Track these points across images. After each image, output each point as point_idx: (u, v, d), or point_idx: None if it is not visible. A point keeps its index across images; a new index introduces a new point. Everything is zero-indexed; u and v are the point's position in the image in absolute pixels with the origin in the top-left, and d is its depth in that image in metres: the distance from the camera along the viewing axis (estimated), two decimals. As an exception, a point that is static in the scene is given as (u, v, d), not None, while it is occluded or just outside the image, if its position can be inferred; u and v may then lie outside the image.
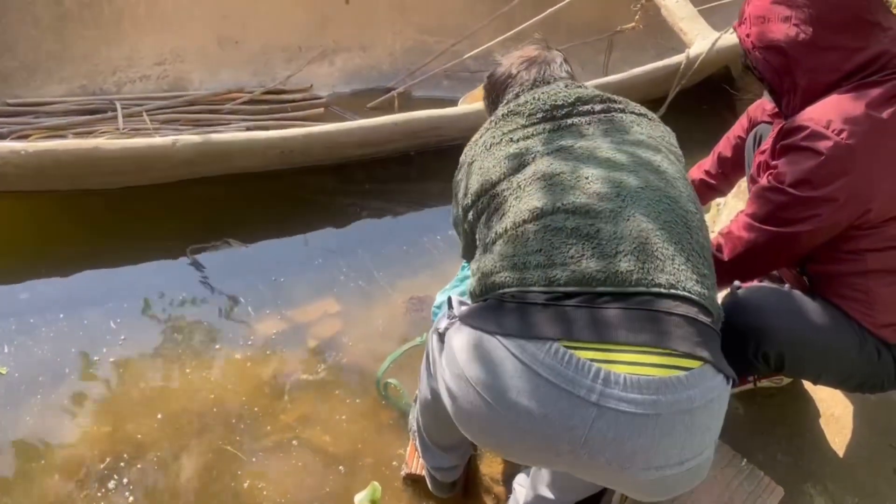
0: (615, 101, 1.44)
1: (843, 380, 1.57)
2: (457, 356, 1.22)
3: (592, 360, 1.10)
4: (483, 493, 1.85)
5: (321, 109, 3.20)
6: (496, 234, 1.29)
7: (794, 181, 1.41)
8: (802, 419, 1.82)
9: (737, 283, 1.58)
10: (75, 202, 2.48)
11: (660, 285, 1.14)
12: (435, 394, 1.52)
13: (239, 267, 2.40)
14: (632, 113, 1.44)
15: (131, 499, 1.80)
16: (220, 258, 2.42)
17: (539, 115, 1.40)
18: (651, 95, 2.95)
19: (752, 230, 1.48)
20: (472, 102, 2.90)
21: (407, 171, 2.77)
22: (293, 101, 3.23)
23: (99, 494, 1.80)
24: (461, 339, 1.22)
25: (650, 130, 1.42)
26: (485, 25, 3.34)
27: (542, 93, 1.46)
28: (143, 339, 2.15)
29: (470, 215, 1.41)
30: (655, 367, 1.10)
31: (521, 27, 3.22)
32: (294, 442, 1.95)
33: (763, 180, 1.48)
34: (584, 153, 1.33)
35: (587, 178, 1.27)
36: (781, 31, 1.42)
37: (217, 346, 2.16)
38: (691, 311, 1.14)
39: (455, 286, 2.13)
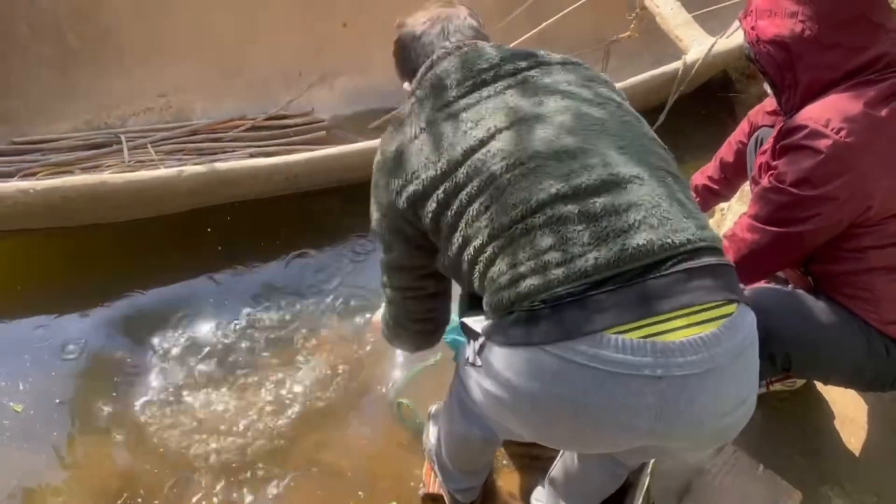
0: (537, 54, 1.37)
1: (853, 378, 1.57)
2: (508, 378, 1.18)
3: (644, 337, 1.11)
4: (501, 507, 1.85)
5: (323, 132, 3.22)
6: (487, 236, 1.20)
7: (795, 180, 1.42)
8: (817, 421, 1.82)
9: (741, 285, 1.58)
10: (85, 237, 2.50)
11: (679, 244, 1.15)
12: (467, 433, 1.52)
13: (251, 292, 2.42)
14: (557, 63, 1.36)
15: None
16: (232, 283, 2.44)
17: (468, 84, 1.30)
18: (650, 103, 2.96)
19: (756, 231, 1.49)
20: (472, 118, 2.91)
21: (412, 190, 2.77)
22: (295, 125, 3.25)
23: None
24: (504, 360, 1.18)
25: (587, 72, 1.37)
26: (481, 41, 3.36)
27: (464, 55, 1.35)
28: (158, 372, 2.17)
29: (427, 208, 1.26)
30: (703, 324, 1.12)
31: (517, 41, 3.24)
32: (313, 469, 1.96)
33: (764, 181, 1.50)
34: (539, 111, 1.25)
35: (565, 150, 1.20)
36: (787, 26, 1.44)
37: (231, 374, 2.17)
38: (712, 260, 1.17)
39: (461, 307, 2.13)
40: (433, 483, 1.86)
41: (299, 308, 2.37)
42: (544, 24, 3.21)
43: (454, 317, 2.11)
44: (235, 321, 2.33)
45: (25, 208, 2.21)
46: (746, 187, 2.11)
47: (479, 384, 1.26)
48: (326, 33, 3.41)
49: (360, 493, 1.90)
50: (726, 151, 1.95)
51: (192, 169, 2.38)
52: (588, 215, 1.16)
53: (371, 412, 2.09)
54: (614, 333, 1.10)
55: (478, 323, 1.26)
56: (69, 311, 2.33)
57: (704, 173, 2.03)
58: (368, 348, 2.25)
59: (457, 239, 1.25)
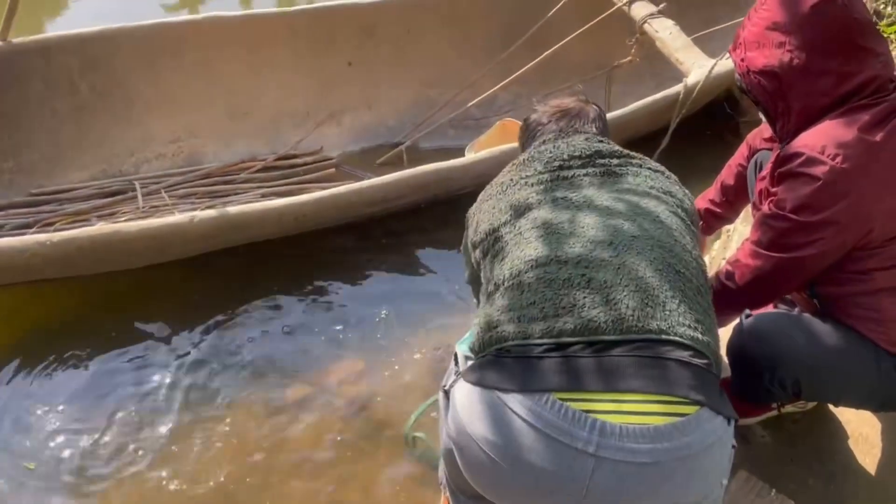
0: (633, 157, 1.50)
1: (864, 400, 1.56)
2: (459, 413, 1.24)
3: (587, 410, 1.11)
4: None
5: (332, 170, 3.27)
6: (497, 281, 1.32)
7: (795, 207, 1.43)
8: (831, 442, 1.80)
9: (747, 311, 1.59)
10: (100, 285, 2.54)
11: (650, 331, 1.16)
12: (448, 447, 1.55)
13: (264, 332, 2.44)
14: (648, 168, 1.49)
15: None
16: (245, 325, 2.46)
17: (556, 164, 1.46)
18: (654, 126, 2.98)
19: (759, 257, 1.50)
20: (479, 150, 2.95)
21: (422, 223, 2.81)
22: (305, 164, 3.31)
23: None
24: (462, 395, 1.25)
25: (661, 184, 1.46)
26: (485, 74, 3.41)
27: (564, 143, 1.52)
28: (174, 414, 2.18)
29: (476, 253, 1.46)
30: (651, 416, 1.11)
31: (519, 71, 3.29)
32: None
33: (765, 207, 1.51)
34: (583, 202, 1.37)
35: (583, 226, 1.31)
36: (776, 56, 1.46)
37: (247, 413, 2.18)
38: (684, 356, 1.15)
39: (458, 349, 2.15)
40: (448, 517, 1.86)
41: (314, 345, 2.39)
42: (544, 55, 3.26)
43: (464, 347, 2.14)
44: (248, 360, 2.34)
45: (43, 260, 2.26)
46: (750, 209, 2.12)
47: (445, 413, 1.37)
48: (332, 72, 3.48)
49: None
50: (727, 174, 1.96)
51: (204, 214, 2.44)
52: (571, 283, 1.22)
53: (389, 447, 2.10)
54: (558, 397, 1.13)
55: (464, 361, 1.36)
56: (81, 361, 2.35)
57: (706, 197, 2.04)
58: (376, 383, 2.25)
59: (485, 279, 1.41)
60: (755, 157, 1.82)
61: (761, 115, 1.59)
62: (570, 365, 1.14)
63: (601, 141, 1.54)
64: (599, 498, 1.12)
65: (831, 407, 1.85)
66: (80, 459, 2.07)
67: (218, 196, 3.08)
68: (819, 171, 1.39)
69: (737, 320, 1.61)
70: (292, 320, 2.49)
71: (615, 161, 1.47)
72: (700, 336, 1.19)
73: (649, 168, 1.49)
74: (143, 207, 2.95)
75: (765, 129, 1.78)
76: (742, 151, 1.92)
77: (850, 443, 1.79)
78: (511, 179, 1.47)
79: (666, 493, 1.13)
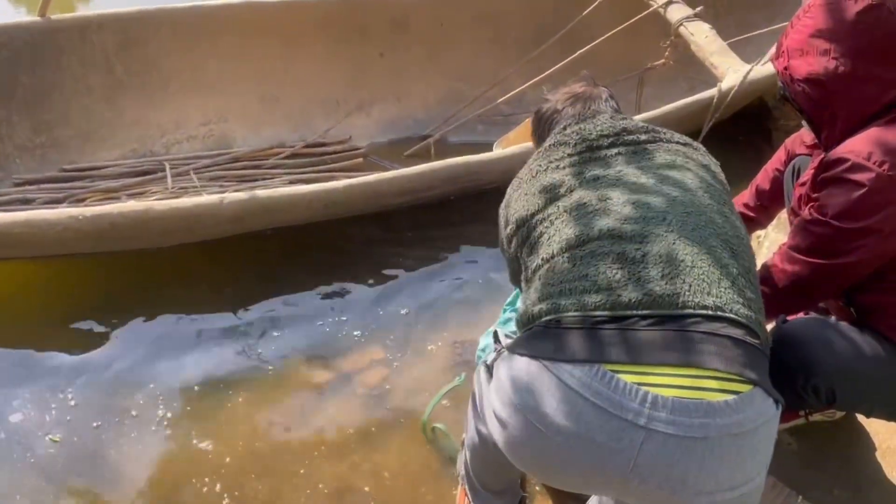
0: (660, 132, 1.49)
1: (896, 412, 1.55)
2: (504, 384, 1.23)
3: (638, 383, 1.11)
4: (535, 536, 1.84)
5: (360, 160, 3.29)
6: (536, 265, 1.32)
7: (837, 213, 1.42)
8: (858, 453, 1.78)
9: (783, 316, 1.57)
10: (124, 261, 2.57)
11: (706, 307, 1.15)
12: (482, 437, 1.53)
13: (287, 318, 2.45)
14: (676, 143, 1.47)
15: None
16: (268, 309, 2.48)
17: (584, 145, 1.45)
18: (685, 130, 2.92)
19: (796, 262, 1.49)
20: (506, 146, 2.95)
21: (448, 216, 2.80)
22: (333, 152, 3.33)
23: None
24: (508, 366, 1.24)
25: (694, 156, 1.45)
26: (515, 70, 3.41)
27: (589, 124, 1.51)
28: (195, 392, 2.19)
29: (512, 244, 1.46)
30: (704, 391, 1.10)
31: (550, 70, 3.28)
32: (347, 490, 1.96)
33: (805, 213, 1.49)
34: (622, 179, 1.36)
35: (629, 202, 1.30)
36: (821, 63, 1.44)
37: (267, 398, 2.19)
38: (738, 333, 1.15)
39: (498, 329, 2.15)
40: (467, 508, 1.86)
41: (335, 333, 2.40)
42: (577, 53, 3.25)
43: (488, 339, 2.14)
44: (270, 345, 2.35)
45: (75, 234, 2.28)
46: (783, 215, 2.10)
47: (487, 388, 1.33)
48: (364, 63, 3.50)
49: (392, 517, 1.91)
50: (762, 179, 1.95)
51: (234, 196, 2.45)
52: (626, 258, 1.21)
53: (407, 436, 2.10)
54: (610, 369, 1.12)
55: (506, 337, 1.36)
56: (108, 337, 2.37)
57: (740, 200, 2.03)
58: (396, 372, 2.26)
59: (526, 263, 1.39)
60: (793, 162, 1.80)
61: (804, 124, 1.58)
62: (622, 337, 1.14)
63: (624, 118, 1.54)
64: (647, 470, 1.11)
65: (860, 417, 1.83)
66: (104, 432, 2.09)
67: (246, 180, 3.11)
68: (864, 177, 1.37)
69: (771, 325, 1.59)
70: (316, 307, 2.50)
71: (643, 137, 1.46)
72: (753, 315, 1.19)
73: (677, 142, 1.48)
74: (172, 188, 2.98)
75: (805, 135, 1.77)
76: (779, 156, 1.90)
77: (878, 455, 1.77)
78: (540, 166, 1.46)
79: (713, 470, 1.11)
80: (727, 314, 1.15)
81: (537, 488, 1.92)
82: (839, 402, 1.49)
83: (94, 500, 1.95)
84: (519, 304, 1.39)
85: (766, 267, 1.56)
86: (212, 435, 2.08)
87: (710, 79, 3.09)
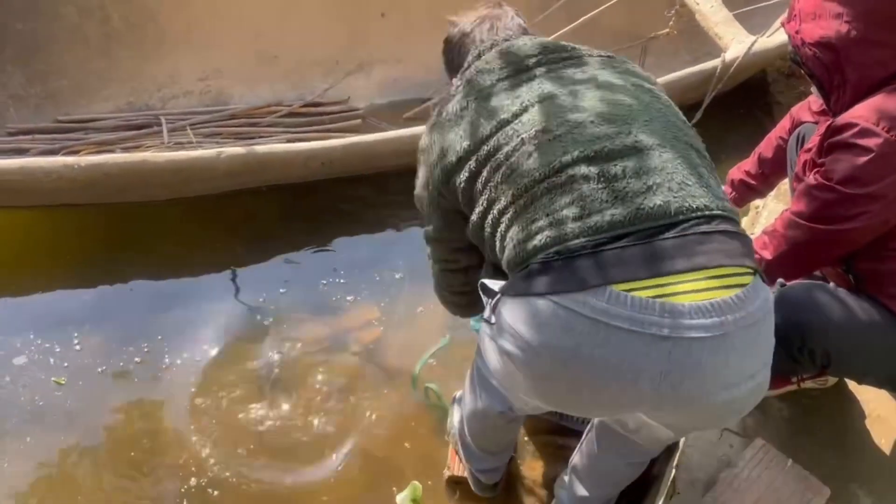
0: (576, 48, 1.45)
1: (890, 379, 1.56)
2: (517, 329, 1.21)
3: (653, 297, 1.12)
4: (525, 494, 1.86)
5: (358, 121, 3.25)
6: (511, 196, 1.26)
7: (843, 178, 1.42)
8: (848, 420, 1.81)
9: (781, 280, 1.58)
10: (123, 214, 2.56)
11: (696, 209, 1.17)
12: (484, 403, 1.54)
13: (283, 276, 2.45)
14: (599, 56, 1.44)
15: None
16: (264, 267, 2.48)
17: (510, 69, 1.39)
18: (687, 100, 2.93)
19: (798, 228, 1.49)
20: (506, 111, 2.92)
21: (443, 181, 2.79)
22: (331, 113, 3.28)
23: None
24: (515, 311, 1.22)
25: (624, 68, 1.43)
26: (518, 35, 3.37)
27: (507, 46, 1.45)
28: (189, 348, 2.20)
29: (457, 179, 1.36)
30: (714, 290, 1.13)
31: (554, 35, 3.24)
32: (337, 444, 1.98)
33: (810, 178, 1.49)
34: (574, 90, 1.32)
35: (591, 120, 1.26)
36: (832, 27, 1.43)
37: (261, 356, 2.20)
38: (728, 226, 1.19)
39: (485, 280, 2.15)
40: (458, 466, 1.88)
41: (330, 291, 2.40)
42: (581, 20, 3.21)
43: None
44: (266, 302, 2.36)
45: (70, 184, 2.26)
46: (783, 185, 2.10)
47: (493, 343, 1.30)
48: (365, 22, 3.44)
49: (383, 470, 1.93)
50: (765, 147, 1.94)
51: (231, 150, 2.42)
52: (608, 176, 1.20)
53: (399, 394, 2.11)
54: (623, 289, 1.12)
55: (496, 284, 1.31)
56: (100, 285, 2.38)
57: (742, 168, 2.02)
58: (390, 332, 2.28)
59: (482, 203, 1.32)
60: (798, 129, 1.80)
61: (813, 90, 1.57)
62: (626, 255, 1.14)
63: (538, 37, 1.49)
64: (678, 378, 1.14)
65: (851, 386, 1.85)
66: (108, 377, 2.12)
67: (242, 137, 3.06)
68: (872, 142, 1.37)
69: (771, 289, 1.60)
70: (311, 266, 2.50)
71: (564, 54, 1.41)
72: (729, 205, 1.23)
73: (600, 55, 1.44)
74: (168, 143, 2.94)
75: (813, 102, 1.76)
76: (784, 125, 1.89)
77: (868, 422, 1.79)
78: (468, 94, 1.39)
79: (735, 362, 1.15)
80: (715, 211, 1.18)
81: (529, 449, 1.94)
82: (833, 366, 1.50)
83: (97, 442, 1.98)
84: (499, 251, 1.31)
85: (766, 233, 1.56)
86: (210, 385, 2.11)
87: (714, 50, 3.07)
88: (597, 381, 1.17)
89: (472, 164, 1.33)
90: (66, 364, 2.14)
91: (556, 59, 1.40)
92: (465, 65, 1.51)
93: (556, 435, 1.94)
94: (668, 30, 3.17)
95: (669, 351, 1.12)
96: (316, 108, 3.29)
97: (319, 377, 2.15)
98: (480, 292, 1.36)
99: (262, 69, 3.32)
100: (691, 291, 1.13)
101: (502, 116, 1.32)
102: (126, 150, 2.86)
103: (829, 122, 1.47)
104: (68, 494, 1.87)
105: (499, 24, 1.54)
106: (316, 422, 2.04)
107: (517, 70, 1.38)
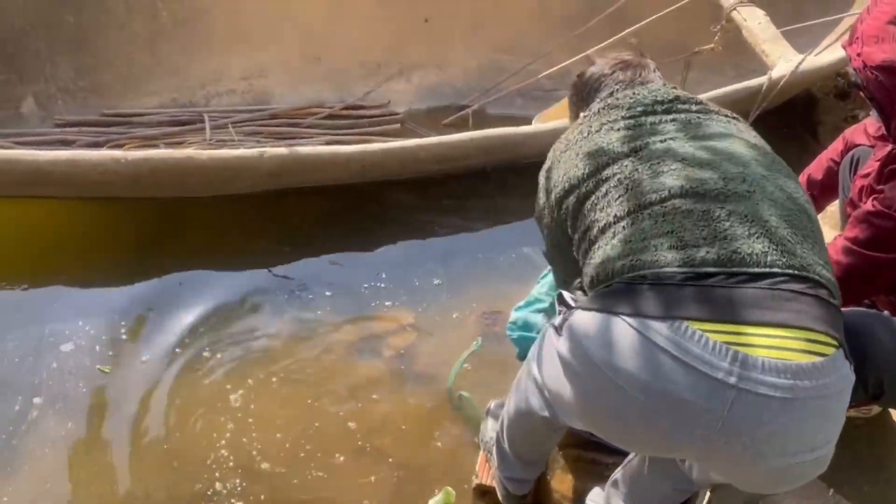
0: (709, 105, 1.47)
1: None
2: (584, 342, 1.21)
3: (728, 343, 1.10)
4: (554, 508, 1.85)
5: (397, 125, 3.27)
6: (614, 217, 1.28)
7: None
8: (890, 451, 1.77)
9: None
10: (167, 209, 2.59)
11: (792, 267, 1.15)
12: (531, 407, 1.52)
13: (319, 276, 2.46)
14: (725, 115, 1.46)
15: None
16: (302, 266, 2.49)
17: (639, 109, 1.42)
18: (730, 117, 2.91)
19: (852, 254, 1.47)
20: (545, 121, 2.92)
21: (483, 188, 2.79)
22: (371, 116, 3.30)
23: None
24: (586, 324, 1.22)
25: (748, 132, 1.44)
26: (560, 45, 3.36)
27: (642, 88, 1.49)
28: (229, 344, 2.23)
29: (568, 202, 1.40)
30: (793, 352, 1.10)
31: (596, 47, 3.22)
32: (367, 448, 1.98)
33: (867, 204, 1.47)
34: (699, 138, 1.34)
35: (709, 162, 1.28)
36: (895, 51, 1.41)
37: (294, 353, 2.22)
38: (822, 293, 1.15)
39: (530, 303, 2.15)
40: (487, 475, 1.87)
41: (367, 293, 2.41)
42: (624, 33, 3.20)
43: (520, 313, 2.14)
44: (301, 301, 2.37)
45: (116, 177, 2.29)
46: (831, 207, 2.07)
47: (555, 350, 1.30)
48: (408, 27, 3.46)
49: (411, 475, 1.92)
50: (816, 168, 1.91)
51: (274, 151, 2.45)
52: (712, 216, 1.20)
53: (430, 399, 2.11)
54: (698, 327, 1.11)
55: (572, 299, 1.33)
56: (149, 278, 2.42)
57: (790, 189, 1.99)
58: (423, 337, 2.28)
59: (585, 224, 1.35)
60: (852, 153, 1.77)
61: (872, 113, 1.54)
62: (710, 294, 1.13)
63: (675, 88, 1.52)
64: (734, 430, 1.11)
65: (894, 416, 1.82)
66: (148, 369, 2.15)
67: (282, 137, 3.09)
68: None
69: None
70: (348, 266, 2.51)
71: (695, 108, 1.43)
72: (831, 277, 1.20)
73: (726, 116, 1.46)
74: (210, 140, 2.98)
75: (869, 126, 1.73)
76: (836, 147, 1.87)
77: (911, 454, 1.76)
78: (592, 127, 1.43)
79: (798, 431, 1.12)
80: (812, 275, 1.16)
81: (560, 464, 1.93)
82: (887, 395, 1.47)
83: (138, 431, 2.01)
84: (579, 258, 1.35)
85: (817, 257, 1.53)
86: (246, 381, 2.13)
87: (759, 67, 3.03)
88: (648, 413, 1.15)
89: (581, 190, 1.37)
90: (111, 353, 2.18)
91: (684, 108, 1.42)
92: (597, 101, 1.55)
93: (588, 449, 1.92)
94: (712, 45, 3.14)
95: (732, 401, 1.09)
96: (356, 111, 3.32)
97: (346, 378, 2.16)
98: (556, 302, 1.38)
99: (304, 70, 3.36)
100: (767, 346, 1.10)
101: (619, 149, 1.35)
102: (169, 145, 2.90)
103: (889, 148, 1.44)
104: (104, 481, 1.89)
105: (641, 72, 1.57)
106: (347, 424, 2.04)
107: (644, 112, 1.41)
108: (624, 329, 1.15)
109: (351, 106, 3.32)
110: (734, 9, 3.11)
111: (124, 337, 2.23)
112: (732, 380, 1.08)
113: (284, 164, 2.44)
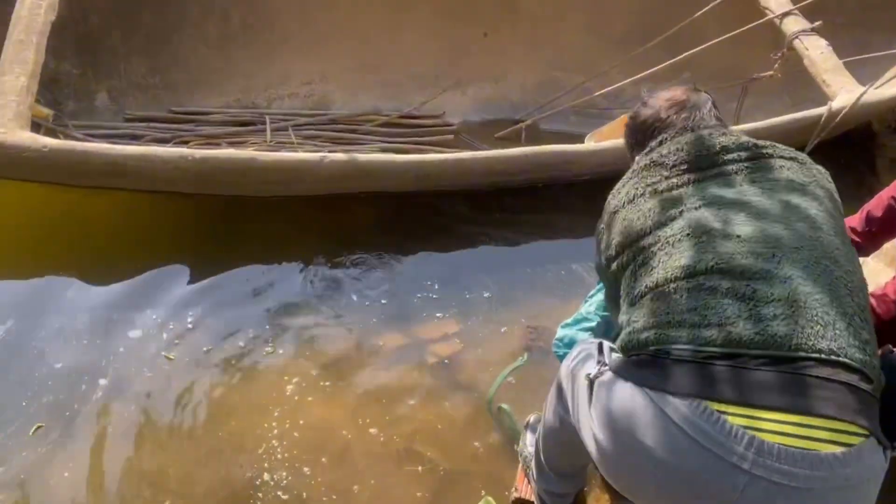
0: (761, 147, 1.43)
1: None
2: (606, 405, 1.24)
3: (745, 426, 1.09)
4: (590, 524, 1.87)
5: (451, 136, 3.33)
6: (645, 287, 1.30)
7: None
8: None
9: (889, 346, 1.55)
10: (226, 206, 2.68)
11: (820, 351, 1.12)
12: (563, 421, 1.55)
13: (369, 281, 2.52)
14: (780, 157, 1.42)
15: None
16: (352, 271, 2.55)
17: (683, 167, 1.41)
18: (788, 146, 2.89)
19: None
20: (598, 140, 2.94)
21: (536, 203, 2.81)
22: (425, 126, 3.37)
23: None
24: (611, 388, 1.25)
25: (801, 175, 1.40)
26: (617, 65, 3.38)
27: (686, 142, 1.45)
28: (286, 340, 2.30)
29: (614, 266, 1.44)
30: (813, 441, 1.08)
31: (653, 69, 3.23)
32: (406, 456, 2.02)
33: None
34: (733, 205, 1.32)
35: (738, 235, 1.26)
36: None
37: (339, 357, 2.27)
38: (852, 379, 1.12)
39: (577, 321, 2.16)
40: (525, 489, 1.89)
41: (415, 301, 2.45)
42: (681, 56, 3.20)
43: (567, 331, 2.16)
44: (349, 305, 2.43)
45: (183, 174, 2.38)
46: (888, 245, 2.05)
47: (584, 399, 1.34)
48: (467, 40, 3.52)
49: (450, 484, 1.95)
50: (875, 205, 1.90)
51: (334, 156, 2.51)
52: (738, 294, 1.19)
53: (471, 410, 2.14)
54: (717, 408, 1.10)
55: (611, 351, 1.36)
56: (205, 274, 2.49)
57: (848, 224, 1.98)
58: (469, 348, 2.30)
59: (622, 289, 1.39)
60: (913, 191, 1.76)
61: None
62: (731, 375, 1.12)
63: (724, 134, 1.47)
64: None
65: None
66: (210, 359, 2.23)
67: (340, 142, 3.18)
68: None
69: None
70: (398, 274, 2.56)
71: (744, 154, 1.40)
72: (868, 358, 1.16)
73: (782, 157, 1.42)
74: (270, 141, 3.07)
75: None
76: (897, 185, 1.85)
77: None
78: (637, 188, 1.43)
79: None
80: (842, 358, 1.13)
81: (595, 482, 1.94)
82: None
83: (195, 417, 2.08)
84: (621, 318, 1.37)
85: (874, 296, 1.54)
86: (293, 379, 2.18)
87: (817, 97, 3.01)
88: (660, 484, 1.17)
89: (623, 257, 1.40)
90: (177, 341, 2.27)
91: (732, 159, 1.39)
92: (649, 147, 1.52)
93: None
94: (772, 72, 3.13)
95: (745, 486, 1.08)
96: (412, 120, 3.38)
97: (390, 383, 2.20)
98: (596, 349, 1.41)
99: (364, 78, 3.43)
100: (785, 434, 1.08)
101: (658, 220, 1.35)
102: (231, 144, 3.00)
103: (953, 190, 1.44)
104: (160, 464, 1.97)
105: (695, 114, 1.53)
106: (386, 431, 2.08)
107: (689, 169, 1.40)
108: (644, 401, 1.17)
109: (406, 115, 3.38)
110: (796, 37, 3.10)
111: (190, 326, 2.31)
112: (746, 465, 1.07)
113: (343, 170, 2.51)
